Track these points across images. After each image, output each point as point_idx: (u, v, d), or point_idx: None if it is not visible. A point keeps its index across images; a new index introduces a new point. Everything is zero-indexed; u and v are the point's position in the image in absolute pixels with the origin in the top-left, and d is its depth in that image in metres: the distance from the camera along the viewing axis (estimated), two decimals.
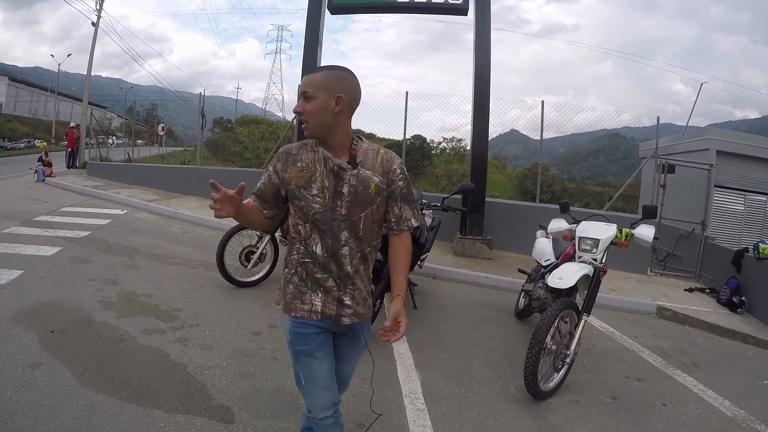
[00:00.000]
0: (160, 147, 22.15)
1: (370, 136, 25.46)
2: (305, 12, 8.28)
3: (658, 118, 10.05)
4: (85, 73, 19.66)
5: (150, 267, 5.37)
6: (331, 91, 1.73)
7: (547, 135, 9.77)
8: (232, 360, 3.38)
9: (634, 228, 4.13)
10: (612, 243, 4.00)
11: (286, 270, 1.91)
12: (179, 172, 11.89)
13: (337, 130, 1.78)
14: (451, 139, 22.37)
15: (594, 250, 3.90)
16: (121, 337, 3.53)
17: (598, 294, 3.95)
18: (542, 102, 9.45)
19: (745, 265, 6.81)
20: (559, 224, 4.39)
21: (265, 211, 1.93)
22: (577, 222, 4.24)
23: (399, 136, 18.11)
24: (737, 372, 4.55)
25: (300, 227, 1.85)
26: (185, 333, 3.74)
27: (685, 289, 7.32)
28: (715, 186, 9.56)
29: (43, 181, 13.06)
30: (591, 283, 3.83)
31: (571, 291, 3.87)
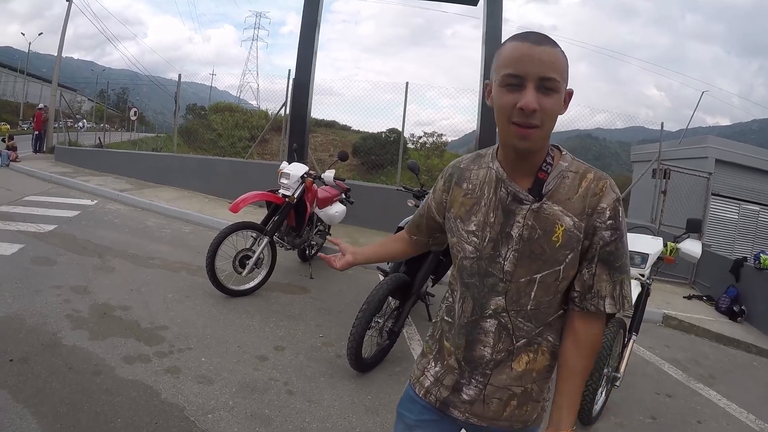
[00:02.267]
0: (132, 133, 21.07)
1: (345, 128, 24.85)
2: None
3: (662, 123, 9.97)
4: (56, 54, 18.41)
5: (125, 270, 4.68)
6: (566, 80, 1.10)
7: None
8: (239, 397, 2.78)
9: (678, 242, 3.92)
10: (658, 257, 3.74)
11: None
12: (154, 159, 11.09)
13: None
14: (432, 134, 21.93)
15: (643, 265, 3.61)
16: (96, 368, 2.85)
17: None
18: None
19: (744, 275, 6.78)
20: None
21: (414, 237, 1.51)
22: None
23: (374, 129, 17.70)
24: (750, 383, 4.63)
25: (454, 271, 1.31)
26: (175, 360, 3.09)
27: (684, 297, 7.24)
28: (711, 194, 9.55)
29: (7, 166, 12.01)
30: (641, 300, 3.54)
31: None
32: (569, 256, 1.14)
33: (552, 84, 1.05)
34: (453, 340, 1.27)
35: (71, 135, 16.73)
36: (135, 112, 18.60)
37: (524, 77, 1.05)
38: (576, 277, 1.18)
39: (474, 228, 1.21)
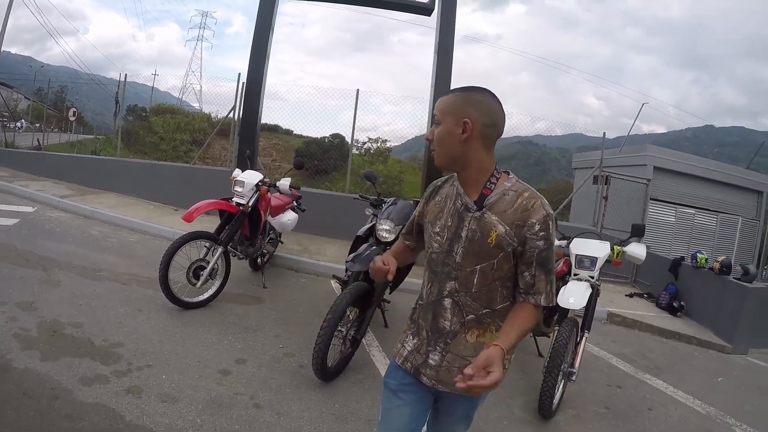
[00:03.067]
0: (70, 134, 19.94)
1: (288, 133, 24.59)
2: None
3: (605, 133, 10.49)
4: None
5: (72, 284, 4.44)
6: (458, 115, 1.48)
7: None
8: (206, 414, 2.71)
9: (624, 246, 4.20)
10: (606, 260, 3.97)
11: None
12: (96, 164, 10.51)
13: (466, 162, 1.52)
14: (376, 140, 21.82)
15: (592, 268, 3.87)
16: (53, 392, 2.68)
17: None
18: None
19: (683, 273, 7.25)
20: None
21: (407, 242, 1.87)
22: (567, 238, 4.14)
23: (318, 134, 17.52)
24: (693, 372, 5.10)
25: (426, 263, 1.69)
26: (136, 379, 2.97)
27: (626, 295, 7.64)
28: (650, 199, 10.13)
29: None
30: (591, 300, 3.76)
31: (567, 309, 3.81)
32: (500, 254, 1.49)
33: (436, 118, 1.54)
34: (424, 315, 1.65)
35: (7, 136, 15.72)
36: (74, 112, 17.62)
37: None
38: (519, 277, 1.53)
39: (438, 230, 1.59)
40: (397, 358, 1.70)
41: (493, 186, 1.51)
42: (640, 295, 7.67)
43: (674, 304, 6.94)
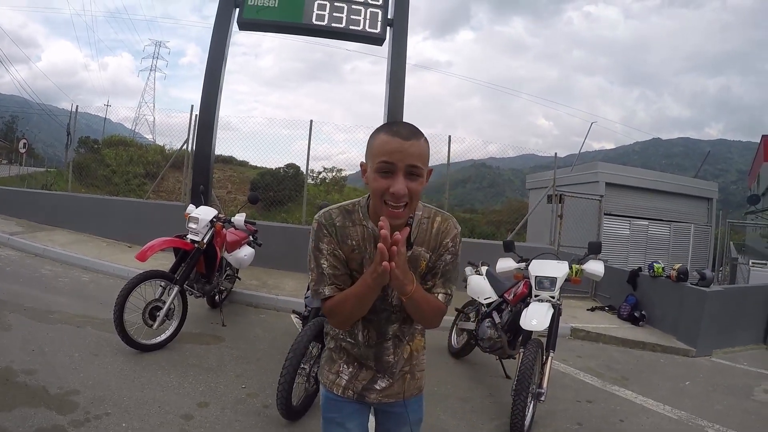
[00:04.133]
0: (21, 167, 19.18)
1: (243, 164, 24.42)
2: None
3: (556, 153, 10.89)
4: None
5: (23, 327, 4.21)
6: (427, 164, 1.40)
7: None
8: None
9: (582, 264, 4.26)
10: (565, 279, 4.04)
11: (328, 337, 1.74)
12: (47, 199, 10.13)
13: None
14: (332, 169, 21.68)
15: (552, 288, 3.92)
16: None
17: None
18: (449, 137, 9.57)
19: (641, 283, 7.44)
20: (507, 263, 4.38)
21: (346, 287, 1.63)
22: (526, 260, 4.26)
23: (272, 165, 17.36)
24: (660, 379, 5.15)
25: None
26: (94, 429, 2.80)
27: (587, 309, 7.76)
28: (604, 214, 10.39)
29: None
30: (554, 320, 3.80)
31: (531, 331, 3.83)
32: (427, 275, 1.54)
33: (417, 171, 1.34)
34: (362, 353, 1.62)
35: None
36: (24, 143, 17.02)
37: (395, 164, 1.32)
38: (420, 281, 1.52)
39: None
40: (335, 389, 1.65)
41: (412, 221, 1.48)
42: (601, 308, 7.81)
43: (635, 314, 7.08)
